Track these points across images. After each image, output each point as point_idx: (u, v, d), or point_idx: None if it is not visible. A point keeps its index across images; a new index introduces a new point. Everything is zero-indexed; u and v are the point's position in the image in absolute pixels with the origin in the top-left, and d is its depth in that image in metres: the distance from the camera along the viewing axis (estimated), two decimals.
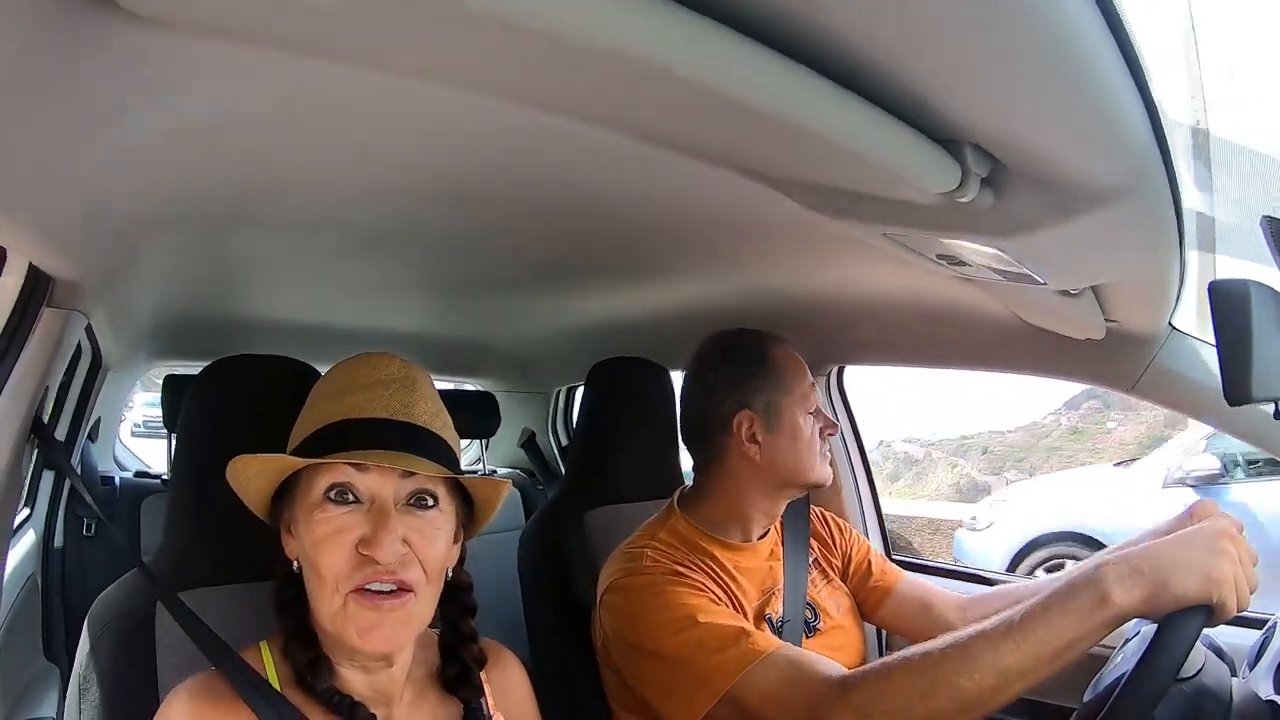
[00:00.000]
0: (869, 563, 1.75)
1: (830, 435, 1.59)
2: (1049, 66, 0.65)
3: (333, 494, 0.96)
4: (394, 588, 0.95)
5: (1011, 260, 1.06)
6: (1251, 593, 0.99)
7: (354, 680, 1.02)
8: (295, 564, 1.01)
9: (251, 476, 1.00)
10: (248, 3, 0.60)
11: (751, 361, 1.63)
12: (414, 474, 0.97)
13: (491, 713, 1.13)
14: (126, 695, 1.10)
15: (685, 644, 1.34)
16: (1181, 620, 0.97)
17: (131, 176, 1.07)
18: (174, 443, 1.30)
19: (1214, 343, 1.00)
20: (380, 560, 0.94)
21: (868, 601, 1.73)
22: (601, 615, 1.51)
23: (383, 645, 0.97)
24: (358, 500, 0.96)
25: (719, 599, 1.45)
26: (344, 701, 1.00)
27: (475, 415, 3.12)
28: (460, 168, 1.20)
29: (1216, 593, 0.96)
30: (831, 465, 1.79)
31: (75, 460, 2.66)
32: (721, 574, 1.53)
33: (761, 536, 1.64)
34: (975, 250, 1.08)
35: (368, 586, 0.94)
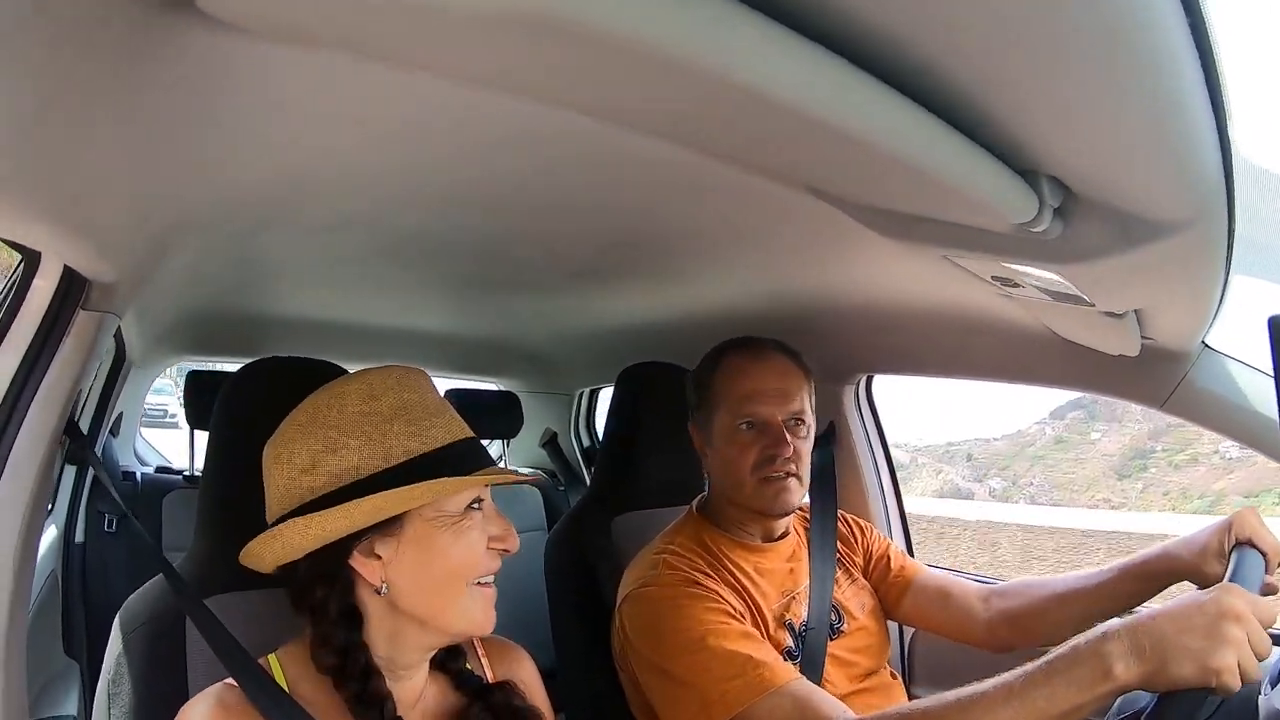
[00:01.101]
0: (888, 558, 1.75)
1: (773, 453, 1.52)
2: (1136, 103, 0.66)
3: (476, 505, 1.04)
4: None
5: (1067, 284, 1.07)
6: (1262, 660, 0.96)
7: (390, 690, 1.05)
8: (383, 587, 1.01)
9: (414, 496, 1.00)
10: (284, 5, 0.61)
11: (699, 371, 1.63)
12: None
13: (491, 680, 1.18)
14: (159, 699, 1.10)
15: (693, 667, 1.34)
16: (1181, 699, 0.96)
17: (173, 181, 1.08)
18: (206, 443, 1.31)
19: (1267, 371, 1.00)
20: (514, 549, 1.07)
21: (889, 597, 1.72)
22: (619, 623, 1.52)
23: (493, 623, 1.08)
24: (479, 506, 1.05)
25: (735, 610, 1.44)
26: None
27: (498, 415, 3.13)
28: (495, 173, 1.20)
29: (1215, 680, 0.94)
30: (833, 475, 1.80)
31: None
32: (740, 577, 1.54)
33: (781, 537, 1.64)
34: (1034, 275, 1.09)
35: (485, 579, 1.06)
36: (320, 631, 1.03)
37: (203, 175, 1.12)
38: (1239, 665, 0.94)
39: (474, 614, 1.05)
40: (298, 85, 0.86)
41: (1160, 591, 1.36)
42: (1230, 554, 1.21)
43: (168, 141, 0.93)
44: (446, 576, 1.02)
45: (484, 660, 1.19)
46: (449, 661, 1.14)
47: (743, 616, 1.46)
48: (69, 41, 0.61)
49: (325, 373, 1.16)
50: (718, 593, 1.45)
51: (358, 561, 1.01)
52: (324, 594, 1.02)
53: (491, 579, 1.06)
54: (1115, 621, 1.01)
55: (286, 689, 1.01)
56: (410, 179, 1.25)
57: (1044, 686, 1.01)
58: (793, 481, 1.54)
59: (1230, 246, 1.02)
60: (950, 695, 1.09)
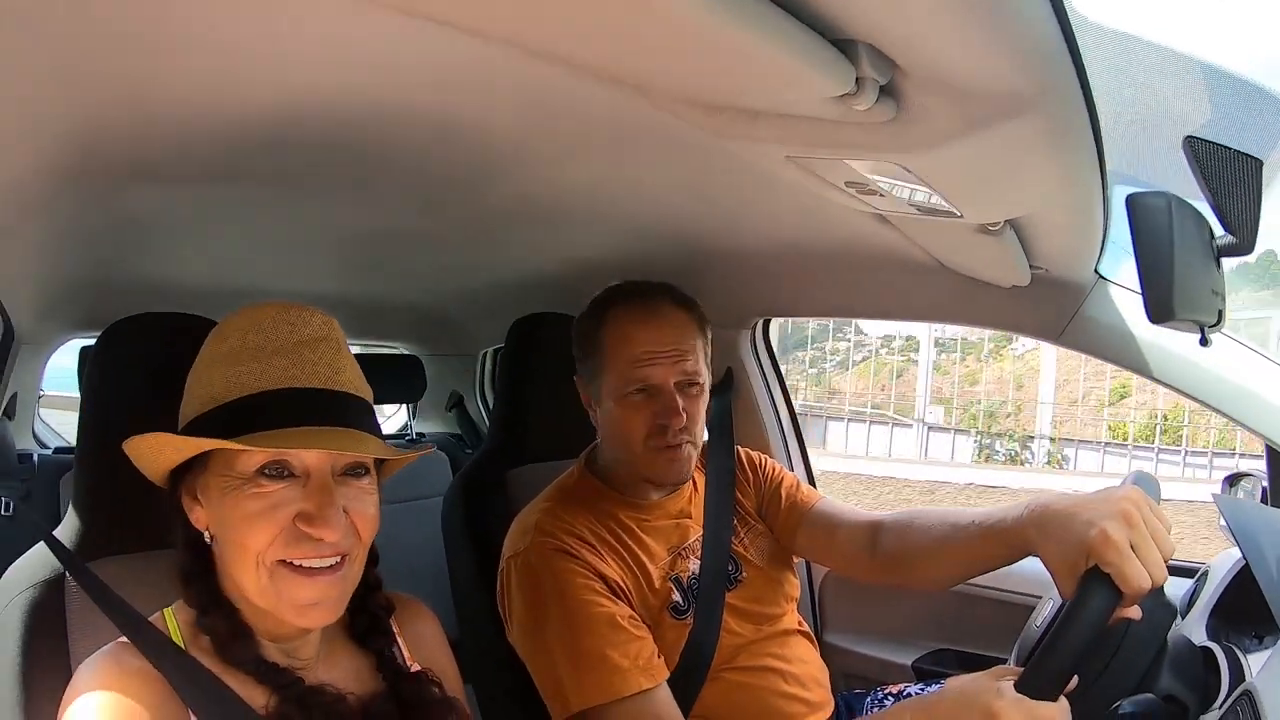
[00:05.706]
0: (782, 494, 1.69)
1: (664, 423, 1.45)
2: None
3: (269, 470, 0.91)
4: (335, 561, 0.93)
5: (921, 183, 1.00)
6: None
7: (269, 649, 0.98)
8: (207, 534, 0.96)
9: (168, 453, 0.93)
10: None
11: (584, 322, 1.55)
12: None
13: (410, 663, 1.10)
14: (39, 667, 1.07)
15: (556, 651, 1.34)
16: None
17: (18, 122, 1.01)
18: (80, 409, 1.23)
19: (1135, 263, 0.96)
20: (328, 539, 0.92)
21: (785, 532, 1.66)
22: (500, 588, 1.49)
23: (323, 620, 0.95)
24: (293, 475, 0.92)
25: (611, 581, 1.40)
26: (269, 668, 0.96)
27: (401, 380, 3.11)
28: (370, 112, 1.13)
29: None
30: (730, 423, 1.77)
31: None
32: (623, 534, 1.49)
33: (671, 493, 1.58)
34: (886, 181, 1.03)
35: (307, 563, 0.92)
36: (176, 562, 1.00)
37: (56, 116, 1.05)
38: None
39: (281, 606, 0.92)
40: (148, 10, 0.78)
41: (1019, 560, 1.25)
42: (1082, 579, 1.03)
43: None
44: (235, 546, 0.92)
45: (394, 622, 1.12)
46: (369, 639, 1.08)
47: (621, 584, 1.42)
48: None
49: (196, 327, 1.10)
50: (591, 563, 1.40)
51: (185, 502, 0.97)
52: (176, 522, 0.99)
53: (317, 563, 0.92)
54: (909, 703, 1.13)
55: (182, 641, 0.96)
56: (282, 121, 1.17)
57: None
58: (686, 449, 1.48)
59: (1100, 143, 0.95)
60: None
